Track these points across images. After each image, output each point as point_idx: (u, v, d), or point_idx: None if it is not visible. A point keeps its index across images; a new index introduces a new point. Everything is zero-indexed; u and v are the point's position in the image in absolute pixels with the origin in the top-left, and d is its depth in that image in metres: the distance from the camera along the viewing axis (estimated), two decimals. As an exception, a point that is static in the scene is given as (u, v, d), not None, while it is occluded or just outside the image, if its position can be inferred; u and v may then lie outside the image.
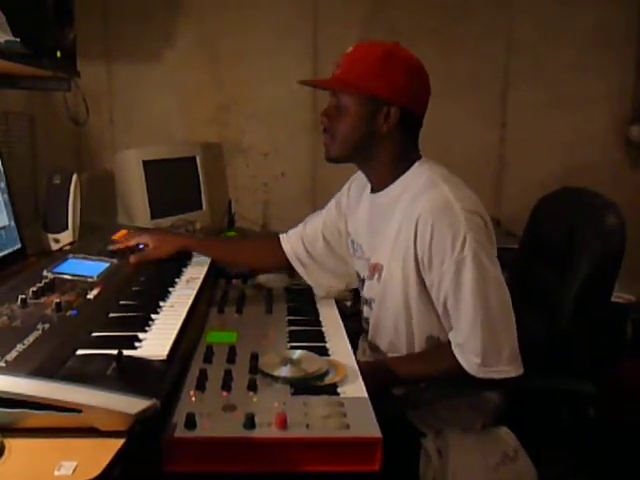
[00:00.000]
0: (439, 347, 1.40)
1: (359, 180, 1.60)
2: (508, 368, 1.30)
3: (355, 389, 1.11)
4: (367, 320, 1.54)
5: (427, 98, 1.43)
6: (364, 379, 1.14)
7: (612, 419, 2.03)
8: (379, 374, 1.34)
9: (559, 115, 2.72)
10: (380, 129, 1.39)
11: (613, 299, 2.29)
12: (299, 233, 1.70)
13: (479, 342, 1.29)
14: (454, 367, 1.33)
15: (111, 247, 1.65)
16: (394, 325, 1.44)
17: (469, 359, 1.31)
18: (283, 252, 1.70)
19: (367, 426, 0.98)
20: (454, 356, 1.33)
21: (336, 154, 1.44)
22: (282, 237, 1.72)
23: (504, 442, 1.32)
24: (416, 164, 1.43)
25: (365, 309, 1.55)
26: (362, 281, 1.55)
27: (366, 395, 1.08)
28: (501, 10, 2.68)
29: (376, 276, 1.45)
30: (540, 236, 1.69)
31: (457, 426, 1.36)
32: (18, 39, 1.64)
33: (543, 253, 1.66)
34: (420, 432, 1.38)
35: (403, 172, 1.43)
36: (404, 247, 1.36)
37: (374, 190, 1.50)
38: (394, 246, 1.39)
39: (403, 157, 1.43)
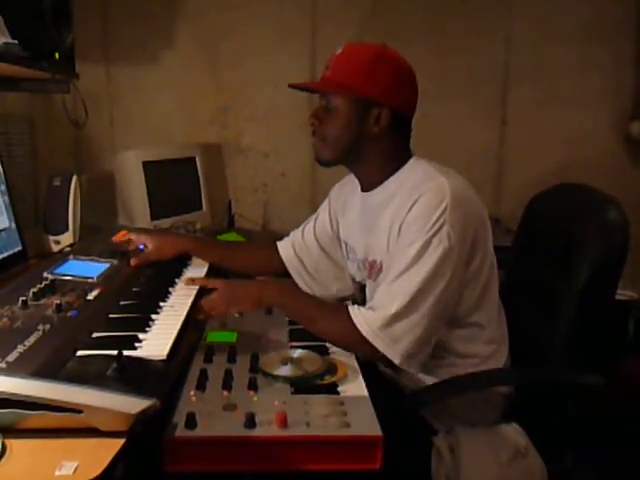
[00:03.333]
0: (339, 305, 1.40)
1: (347, 183, 1.59)
2: (395, 352, 1.22)
3: (355, 388, 1.11)
4: None
5: (416, 99, 1.42)
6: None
7: (614, 416, 2.04)
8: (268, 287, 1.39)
9: (559, 112, 2.72)
10: (371, 131, 1.37)
11: (616, 296, 2.29)
12: (294, 240, 1.70)
13: (391, 312, 1.23)
14: (341, 326, 1.26)
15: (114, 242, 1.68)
16: None
17: (368, 319, 1.24)
18: (280, 259, 1.70)
19: (367, 425, 0.98)
20: (349, 316, 1.26)
21: (327, 157, 1.43)
22: (279, 244, 1.72)
23: (514, 438, 1.30)
24: (410, 161, 1.42)
25: None
26: (359, 285, 1.52)
27: (366, 394, 1.09)
28: (500, 7, 2.68)
29: (376, 275, 1.41)
30: (536, 233, 1.68)
31: (469, 421, 1.36)
32: (16, 41, 1.64)
33: (540, 250, 1.65)
34: (433, 429, 1.37)
35: (396, 170, 1.41)
36: (396, 235, 1.32)
37: (365, 189, 1.47)
38: (389, 238, 1.35)
39: (394, 157, 1.42)
